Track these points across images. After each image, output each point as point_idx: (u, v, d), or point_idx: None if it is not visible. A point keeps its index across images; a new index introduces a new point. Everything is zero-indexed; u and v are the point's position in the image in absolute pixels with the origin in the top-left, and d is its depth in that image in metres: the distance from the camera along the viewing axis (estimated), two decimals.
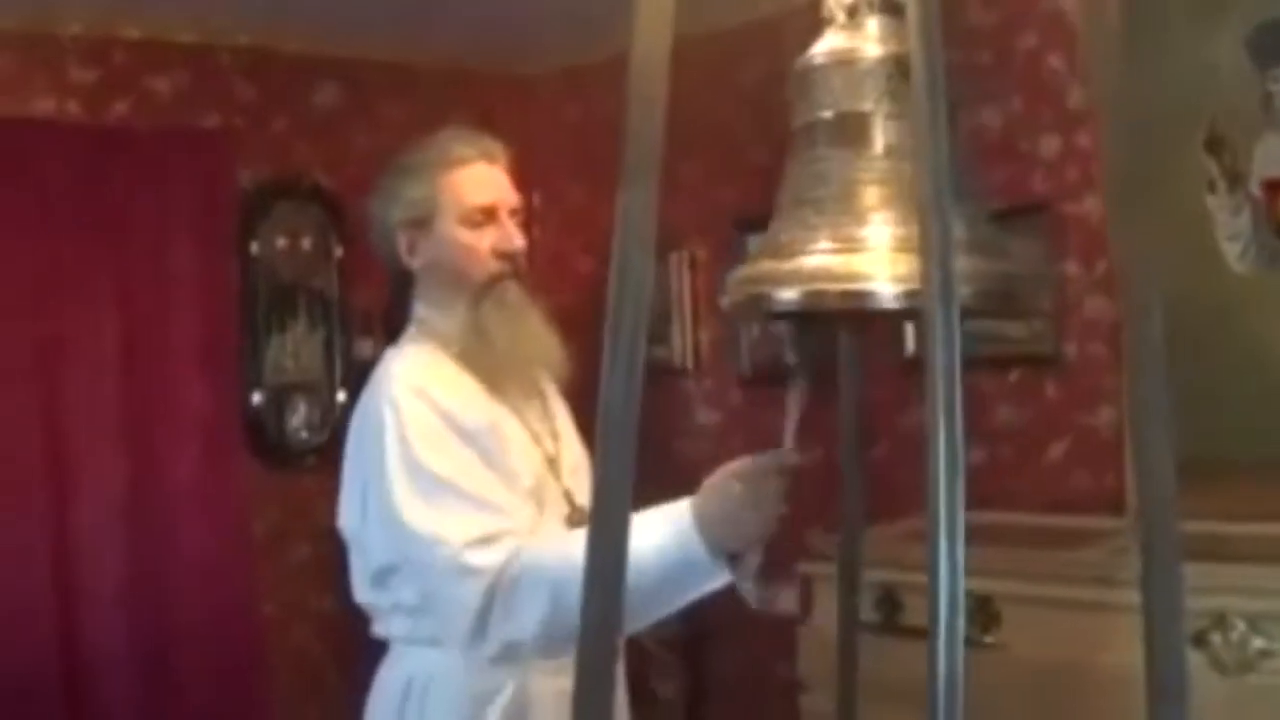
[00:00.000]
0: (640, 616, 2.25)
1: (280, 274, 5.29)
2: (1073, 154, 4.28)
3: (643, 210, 1.62)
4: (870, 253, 1.63)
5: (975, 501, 4.16)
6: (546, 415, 2.65)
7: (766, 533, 2.14)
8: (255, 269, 5.24)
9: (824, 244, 1.70)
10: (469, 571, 2.28)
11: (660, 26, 1.64)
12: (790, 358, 1.99)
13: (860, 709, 3.63)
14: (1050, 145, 4.35)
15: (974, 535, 3.96)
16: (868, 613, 3.64)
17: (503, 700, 2.44)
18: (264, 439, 5.19)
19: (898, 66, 1.69)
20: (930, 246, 1.44)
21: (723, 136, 5.01)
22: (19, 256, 4.63)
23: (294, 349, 5.26)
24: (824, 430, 4.75)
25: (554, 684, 2.32)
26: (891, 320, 2.03)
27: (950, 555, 1.41)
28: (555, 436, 2.62)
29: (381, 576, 2.49)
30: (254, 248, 5.23)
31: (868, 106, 1.72)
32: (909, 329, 4.49)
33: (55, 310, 4.70)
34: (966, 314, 1.89)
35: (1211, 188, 3.88)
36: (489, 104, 5.44)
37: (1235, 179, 3.84)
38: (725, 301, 1.83)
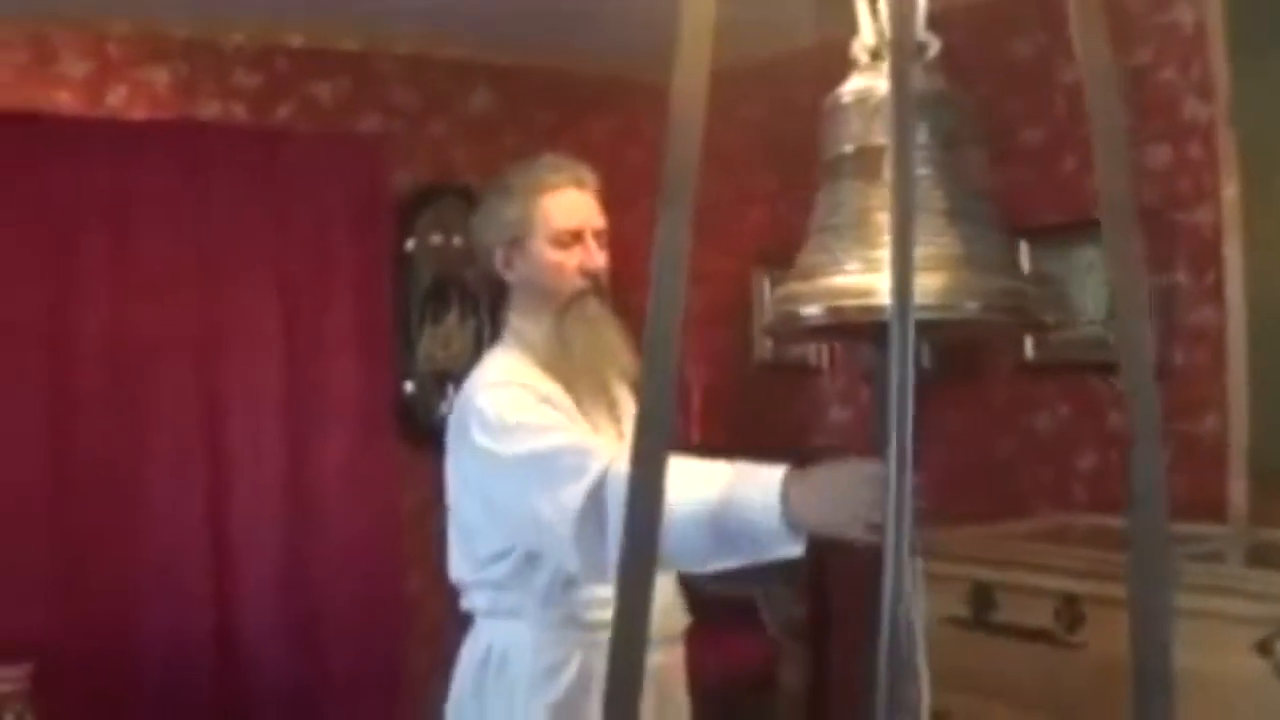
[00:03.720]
0: (706, 558, 2.41)
1: (434, 270, 5.56)
2: (1184, 165, 4.32)
3: (678, 232, 1.81)
4: (883, 272, 1.78)
5: (1088, 505, 4.30)
6: (614, 419, 2.86)
7: (849, 532, 2.17)
8: (410, 265, 5.53)
9: (842, 265, 1.89)
10: (572, 474, 2.48)
11: (698, 60, 1.84)
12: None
13: (946, 699, 3.79)
14: (1162, 156, 4.39)
15: (1073, 537, 4.09)
16: (958, 608, 3.79)
17: (570, 672, 2.68)
18: (414, 423, 5.45)
19: None
20: (894, 268, 1.61)
21: None
22: (187, 252, 4.98)
23: (445, 340, 5.52)
24: (948, 430, 4.90)
25: None
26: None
27: (896, 550, 1.58)
28: (621, 438, 2.82)
29: (486, 561, 2.74)
30: (409, 245, 5.52)
31: (882, 140, 1.88)
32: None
33: (219, 301, 5.04)
34: (974, 325, 2.09)
35: None
36: (636, 110, 5.67)
37: None
38: (765, 321, 2.02)
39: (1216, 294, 4.23)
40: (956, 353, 4.86)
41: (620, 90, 5.80)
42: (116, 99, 5.02)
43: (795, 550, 2.29)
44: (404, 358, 5.48)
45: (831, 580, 5.03)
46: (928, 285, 1.81)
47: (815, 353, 5.62)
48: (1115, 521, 4.14)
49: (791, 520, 2.24)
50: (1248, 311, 4.13)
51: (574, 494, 2.45)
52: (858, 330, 1.98)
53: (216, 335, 5.06)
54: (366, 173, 5.35)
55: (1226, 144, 4.17)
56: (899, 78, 1.69)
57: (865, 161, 1.90)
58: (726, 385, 6.05)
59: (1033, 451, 4.71)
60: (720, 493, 2.31)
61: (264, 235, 5.14)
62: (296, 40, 5.33)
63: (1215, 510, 4.09)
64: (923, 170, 1.90)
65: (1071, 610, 3.51)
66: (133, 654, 4.76)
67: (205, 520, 5.01)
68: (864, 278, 1.84)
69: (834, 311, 1.88)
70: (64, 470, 4.77)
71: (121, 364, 4.89)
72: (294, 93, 5.34)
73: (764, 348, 5.83)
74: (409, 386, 5.48)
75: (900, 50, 1.71)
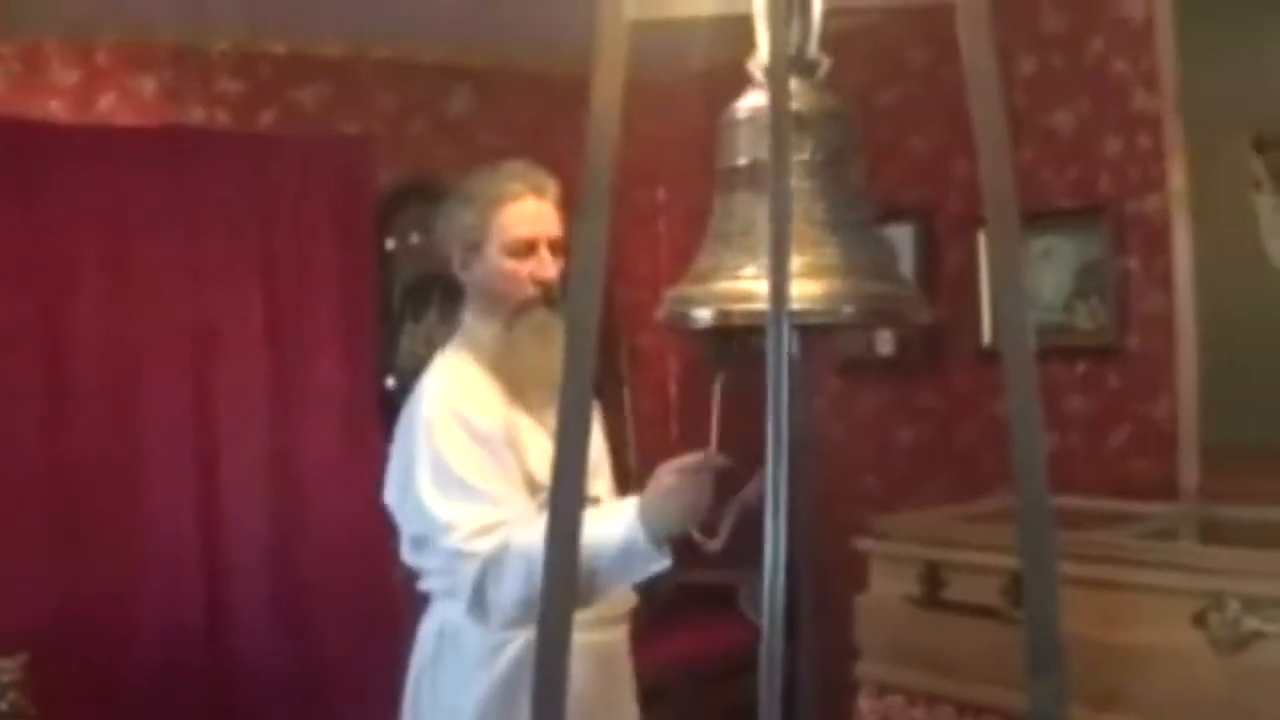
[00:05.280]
0: (600, 590, 2.65)
1: (414, 268, 5.69)
2: (1135, 155, 4.46)
3: (596, 241, 1.96)
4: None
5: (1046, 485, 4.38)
6: None
7: (694, 520, 2.50)
8: (392, 263, 5.68)
9: (730, 271, 2.03)
10: (468, 555, 2.71)
11: (614, 80, 1.99)
12: (712, 365, 2.25)
13: (902, 674, 3.94)
14: (1114, 146, 4.53)
15: (1019, 516, 4.17)
16: (911, 587, 3.94)
17: (513, 650, 2.86)
18: (396, 417, 5.56)
19: (797, 120, 2.01)
20: (771, 273, 1.75)
21: None
22: (175, 251, 5.11)
23: (426, 336, 5.63)
24: (911, 414, 5.02)
25: None
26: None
27: (774, 527, 1.70)
28: None
29: (416, 543, 2.92)
30: (390, 244, 5.66)
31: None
32: (985, 322, 4.79)
33: (207, 300, 5.19)
34: (846, 326, 2.22)
35: (1258, 187, 4.04)
36: None
37: None
38: (659, 315, 2.16)
39: (1166, 280, 4.36)
40: (919, 342, 5.04)
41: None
42: (106, 106, 5.17)
43: (666, 562, 2.59)
44: (386, 354, 5.62)
45: (806, 564, 5.13)
46: (807, 291, 1.94)
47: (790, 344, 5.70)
48: (1066, 501, 4.28)
49: (656, 539, 2.54)
50: (1196, 297, 4.27)
51: (468, 574, 2.71)
52: (747, 331, 2.12)
53: (206, 333, 5.20)
54: (348, 174, 5.48)
55: (1174, 134, 4.30)
56: (777, 100, 1.82)
57: (755, 174, 2.02)
58: (701, 378, 6.16)
59: (992, 435, 4.83)
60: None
61: (250, 236, 5.29)
62: (279, 47, 5.47)
63: (1168, 489, 4.24)
64: (806, 183, 2.03)
65: (1017, 587, 3.61)
66: (127, 643, 4.92)
67: (197, 512, 5.16)
68: (749, 283, 1.96)
69: (720, 314, 2.02)
70: (60, 466, 4.91)
71: (115, 362, 5.03)
72: (277, 98, 5.49)
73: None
74: (390, 382, 5.61)
75: (776, 75, 1.84)
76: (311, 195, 5.39)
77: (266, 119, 5.46)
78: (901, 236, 5.10)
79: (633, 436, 5.76)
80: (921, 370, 5.16)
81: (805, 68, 2.10)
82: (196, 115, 5.31)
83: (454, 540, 2.74)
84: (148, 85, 5.23)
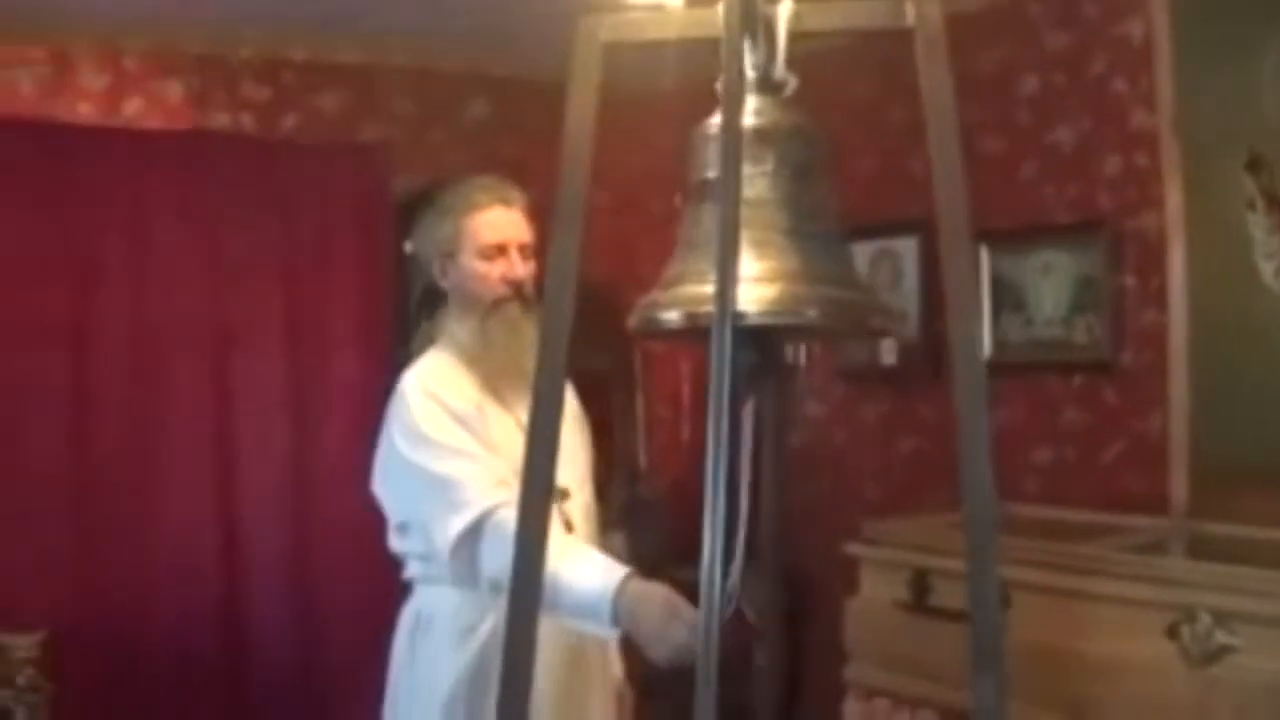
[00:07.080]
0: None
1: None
2: (1133, 173, 4.53)
3: (570, 253, 2.07)
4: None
5: (1039, 497, 4.49)
6: None
7: (659, 660, 2.66)
8: (409, 265, 5.77)
9: (697, 277, 2.13)
10: (456, 507, 2.89)
11: (587, 100, 2.10)
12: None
13: (889, 678, 4.03)
14: (1113, 164, 4.61)
15: (1017, 526, 4.27)
16: (900, 593, 4.03)
17: (484, 630, 3.00)
18: None
19: (757, 135, 2.12)
20: (718, 279, 1.84)
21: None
22: (198, 253, 5.29)
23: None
24: (916, 424, 5.08)
25: None
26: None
27: (713, 526, 1.79)
28: None
29: (400, 530, 3.14)
30: (409, 246, 5.75)
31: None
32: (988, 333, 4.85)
33: (229, 299, 5.36)
34: (811, 331, 2.32)
35: (1251, 207, 4.10)
36: (619, 116, 5.90)
37: (1273, 200, 4.06)
38: (631, 322, 2.26)
39: (1161, 298, 4.42)
40: (921, 351, 5.11)
41: (612, 98, 6.00)
42: (133, 110, 5.33)
43: (613, 635, 2.85)
44: (402, 353, 5.73)
45: (806, 566, 5.20)
46: (766, 295, 2.04)
47: (791, 351, 5.79)
48: (1060, 513, 4.36)
49: (614, 622, 2.72)
50: (1189, 314, 4.33)
51: (454, 525, 2.88)
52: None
53: (227, 332, 5.38)
54: (367, 180, 5.63)
55: (1171, 153, 4.35)
56: (729, 114, 1.92)
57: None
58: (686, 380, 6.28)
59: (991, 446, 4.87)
60: (565, 571, 2.71)
61: (271, 239, 5.44)
62: (301, 54, 5.62)
63: (1158, 504, 4.30)
64: (770, 194, 2.13)
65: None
66: (143, 629, 5.07)
67: (214, 504, 5.33)
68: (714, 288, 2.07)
69: (688, 318, 2.11)
70: (83, 456, 5.08)
71: (138, 359, 5.20)
72: (299, 104, 5.64)
73: None
74: None
75: (730, 91, 1.94)
76: (331, 201, 5.55)
77: (289, 124, 5.61)
78: (906, 249, 5.18)
79: (643, 438, 5.84)
80: (923, 380, 5.21)
81: (771, 86, 2.20)
82: (221, 120, 5.46)
83: (442, 492, 2.93)
84: (174, 90, 5.39)
